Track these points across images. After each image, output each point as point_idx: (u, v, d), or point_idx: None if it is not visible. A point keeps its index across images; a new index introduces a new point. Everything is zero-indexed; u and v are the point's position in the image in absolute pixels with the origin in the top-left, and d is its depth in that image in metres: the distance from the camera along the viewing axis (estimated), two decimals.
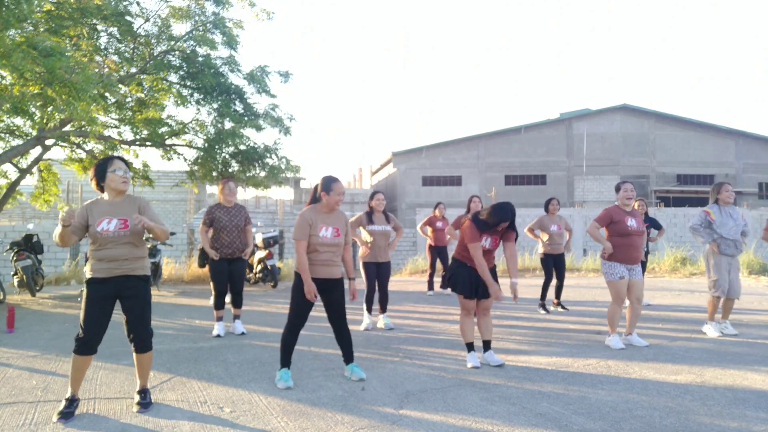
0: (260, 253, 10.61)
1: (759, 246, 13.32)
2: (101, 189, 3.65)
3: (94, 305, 3.49)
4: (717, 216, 5.81)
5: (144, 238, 3.71)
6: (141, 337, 3.60)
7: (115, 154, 10.53)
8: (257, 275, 10.80)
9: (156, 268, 9.61)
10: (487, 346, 4.74)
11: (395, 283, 11.86)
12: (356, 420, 3.37)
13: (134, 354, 3.65)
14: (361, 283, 6.45)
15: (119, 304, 3.62)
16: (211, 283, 6.05)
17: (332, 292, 4.21)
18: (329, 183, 4.17)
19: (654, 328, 6.28)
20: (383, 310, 6.43)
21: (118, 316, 3.62)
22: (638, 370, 4.50)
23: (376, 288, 6.42)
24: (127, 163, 3.75)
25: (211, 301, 6.37)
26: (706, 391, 3.92)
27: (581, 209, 24.95)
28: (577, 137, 35.74)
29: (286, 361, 4.17)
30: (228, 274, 5.98)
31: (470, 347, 4.67)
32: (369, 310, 6.38)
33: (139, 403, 3.59)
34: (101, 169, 3.61)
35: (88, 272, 3.57)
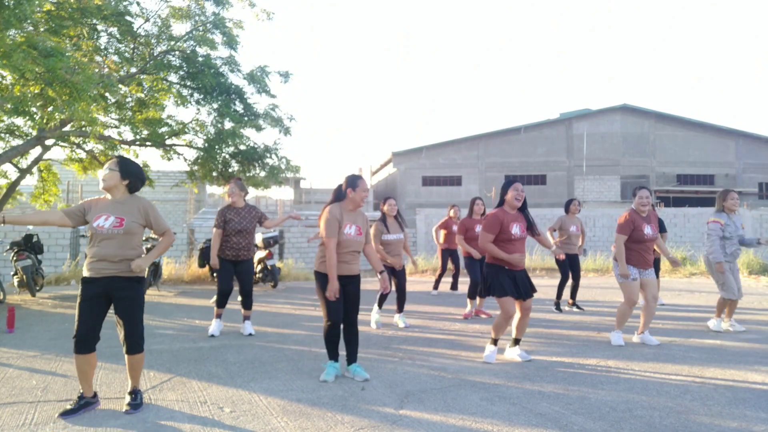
0: (260, 253, 10.61)
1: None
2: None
3: (84, 303, 3.49)
4: (729, 226, 6.05)
5: (144, 238, 3.69)
6: (129, 339, 3.57)
7: (116, 153, 10.56)
8: (257, 275, 10.81)
9: (156, 269, 9.61)
10: (517, 342, 4.91)
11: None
12: (356, 420, 3.37)
13: (125, 355, 3.63)
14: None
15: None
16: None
17: (350, 287, 4.30)
18: (355, 180, 4.30)
19: (654, 329, 6.28)
20: (400, 309, 6.68)
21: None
22: (638, 370, 4.51)
23: (393, 288, 6.58)
24: (123, 160, 3.68)
25: (212, 300, 6.38)
26: (706, 391, 3.92)
27: (581, 209, 24.95)
28: (577, 137, 35.75)
29: (332, 354, 4.28)
30: (234, 275, 5.97)
31: (495, 343, 4.83)
32: (380, 305, 6.68)
33: (129, 404, 3.56)
34: None
35: (83, 270, 3.61)
